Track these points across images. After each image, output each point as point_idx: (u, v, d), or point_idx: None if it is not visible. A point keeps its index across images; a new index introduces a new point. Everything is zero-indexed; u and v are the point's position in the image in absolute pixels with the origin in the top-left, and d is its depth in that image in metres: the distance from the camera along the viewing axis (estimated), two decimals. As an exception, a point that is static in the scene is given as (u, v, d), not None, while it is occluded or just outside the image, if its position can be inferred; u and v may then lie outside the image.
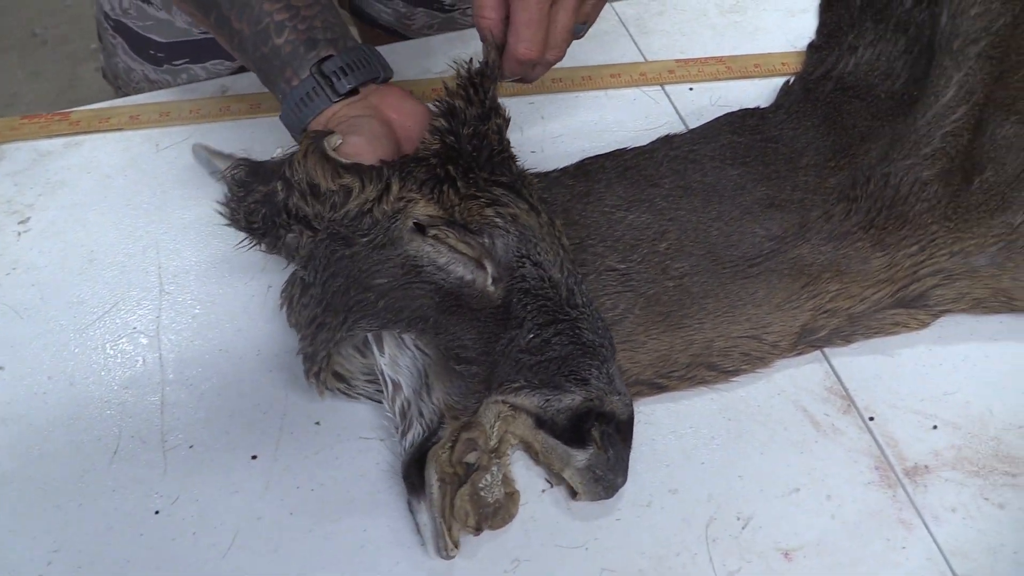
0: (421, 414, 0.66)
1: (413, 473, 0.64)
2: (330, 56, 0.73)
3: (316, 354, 0.67)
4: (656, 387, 0.72)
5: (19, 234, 0.86)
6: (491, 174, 0.69)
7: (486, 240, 0.67)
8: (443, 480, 0.62)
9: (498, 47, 0.72)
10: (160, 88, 1.04)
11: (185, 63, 1.02)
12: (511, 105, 0.95)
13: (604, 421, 0.65)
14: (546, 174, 0.84)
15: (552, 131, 0.94)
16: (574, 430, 0.65)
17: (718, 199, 0.81)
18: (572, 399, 0.65)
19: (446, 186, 0.68)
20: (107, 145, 0.94)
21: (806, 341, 0.75)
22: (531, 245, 0.67)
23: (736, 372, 0.74)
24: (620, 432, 0.65)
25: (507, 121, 0.72)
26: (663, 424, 0.72)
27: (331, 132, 0.68)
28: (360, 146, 0.68)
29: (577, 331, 0.66)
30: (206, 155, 0.85)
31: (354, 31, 1.24)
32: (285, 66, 0.73)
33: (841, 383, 0.75)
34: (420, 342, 0.66)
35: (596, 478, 0.64)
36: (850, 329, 0.76)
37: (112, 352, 0.77)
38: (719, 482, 0.69)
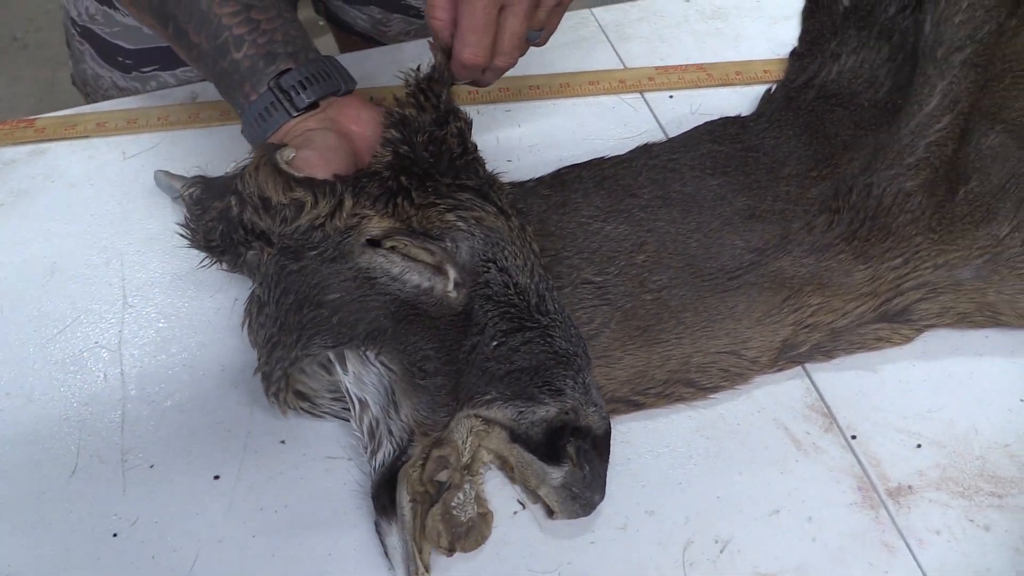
0: (390, 432, 0.64)
1: (383, 494, 0.62)
2: (289, 70, 0.71)
3: (272, 373, 0.65)
4: (632, 404, 0.70)
5: (-21, 245, 0.84)
6: (455, 179, 0.67)
7: (448, 244, 0.65)
8: (414, 500, 0.60)
9: (445, 50, 0.71)
10: (129, 95, 1.01)
11: (154, 70, 1.00)
12: (487, 112, 0.94)
13: (580, 436, 0.63)
14: (522, 184, 0.82)
15: (528, 139, 0.93)
16: (549, 445, 0.63)
17: (698, 210, 0.79)
18: (547, 411, 0.63)
19: (400, 198, 0.66)
20: (73, 153, 0.91)
21: (787, 357, 0.74)
22: (497, 249, 0.66)
23: (715, 389, 0.72)
24: (596, 447, 0.63)
25: (468, 123, 0.71)
26: (639, 443, 0.70)
27: (284, 145, 0.66)
28: (311, 159, 0.66)
29: (549, 339, 0.64)
30: (166, 180, 0.83)
31: (329, 38, 1.22)
32: (244, 81, 0.71)
33: (823, 400, 0.73)
34: (384, 358, 0.63)
35: (572, 496, 0.62)
36: (832, 344, 0.74)
37: (73, 367, 0.75)
38: (697, 503, 0.67)
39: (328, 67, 0.72)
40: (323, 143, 0.68)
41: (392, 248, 0.64)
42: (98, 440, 0.70)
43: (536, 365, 0.63)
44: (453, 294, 0.64)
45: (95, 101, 1.05)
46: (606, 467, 0.64)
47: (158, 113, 0.94)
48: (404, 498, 0.60)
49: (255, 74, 0.71)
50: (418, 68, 0.70)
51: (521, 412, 0.64)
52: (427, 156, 0.67)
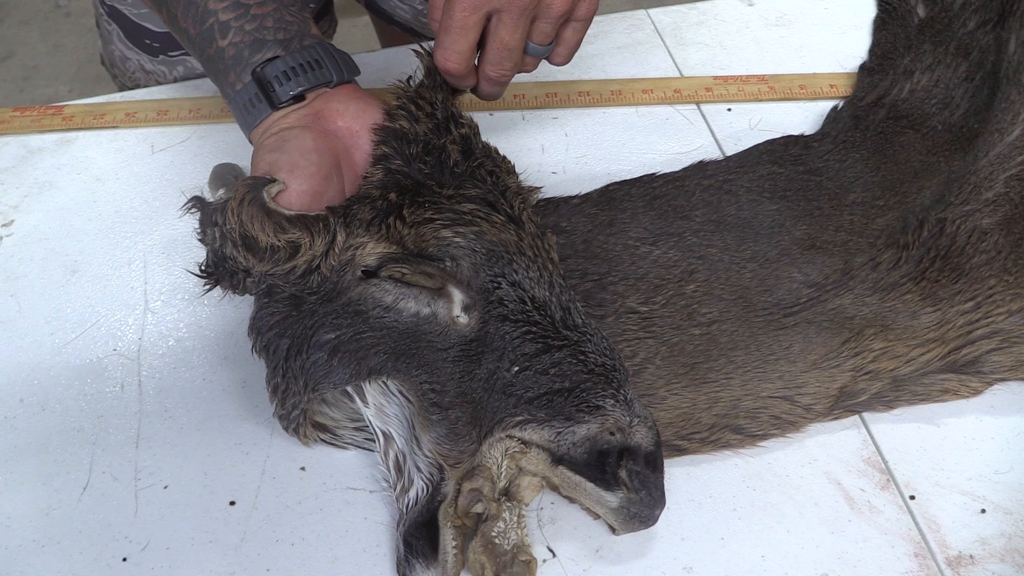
0: (418, 468, 0.59)
1: (418, 535, 0.58)
2: (275, 58, 0.65)
3: (289, 414, 0.61)
4: (675, 449, 0.66)
5: (1, 238, 0.81)
6: (457, 189, 0.62)
7: (448, 264, 0.60)
8: (456, 542, 0.57)
9: (430, 53, 0.67)
10: (156, 79, 0.98)
11: (181, 54, 0.96)
12: (532, 117, 0.90)
13: (630, 457, 0.58)
14: (567, 200, 0.78)
15: (576, 150, 0.88)
16: (597, 468, 0.58)
17: (753, 237, 0.75)
18: (587, 429, 0.58)
19: (392, 218, 0.61)
20: (100, 144, 0.88)
21: (844, 405, 0.69)
22: (504, 263, 0.60)
23: (764, 436, 0.67)
24: (649, 463, 0.58)
25: (473, 128, 0.66)
26: (680, 491, 0.65)
27: (272, 180, 0.60)
28: (287, 192, 0.60)
29: (582, 356, 0.59)
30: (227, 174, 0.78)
31: (370, 29, 1.17)
32: (229, 70, 0.66)
33: (880, 454, 0.68)
34: (404, 388, 0.59)
35: (632, 515, 0.58)
36: (893, 394, 0.69)
37: (89, 376, 0.72)
38: (738, 561, 0.62)
39: (320, 55, 0.66)
40: (297, 146, 0.62)
41: (389, 277, 0.59)
42: (112, 455, 0.67)
43: (571, 386, 0.59)
44: (463, 318, 0.59)
45: (123, 83, 1.02)
46: (662, 477, 0.59)
47: (189, 105, 0.90)
48: (448, 541, 0.57)
49: (240, 63, 0.65)
50: (408, 78, 0.66)
51: (559, 433, 0.59)
52: (424, 168, 0.62)
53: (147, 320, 0.75)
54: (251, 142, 0.67)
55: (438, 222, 0.60)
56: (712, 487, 0.66)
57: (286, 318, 0.59)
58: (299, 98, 0.65)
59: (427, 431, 0.58)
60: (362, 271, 0.59)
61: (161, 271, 0.78)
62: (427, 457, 0.59)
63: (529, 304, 0.60)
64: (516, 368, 0.58)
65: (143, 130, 0.89)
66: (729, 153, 0.85)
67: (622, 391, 0.59)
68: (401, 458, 0.61)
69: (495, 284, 0.60)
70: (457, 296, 0.59)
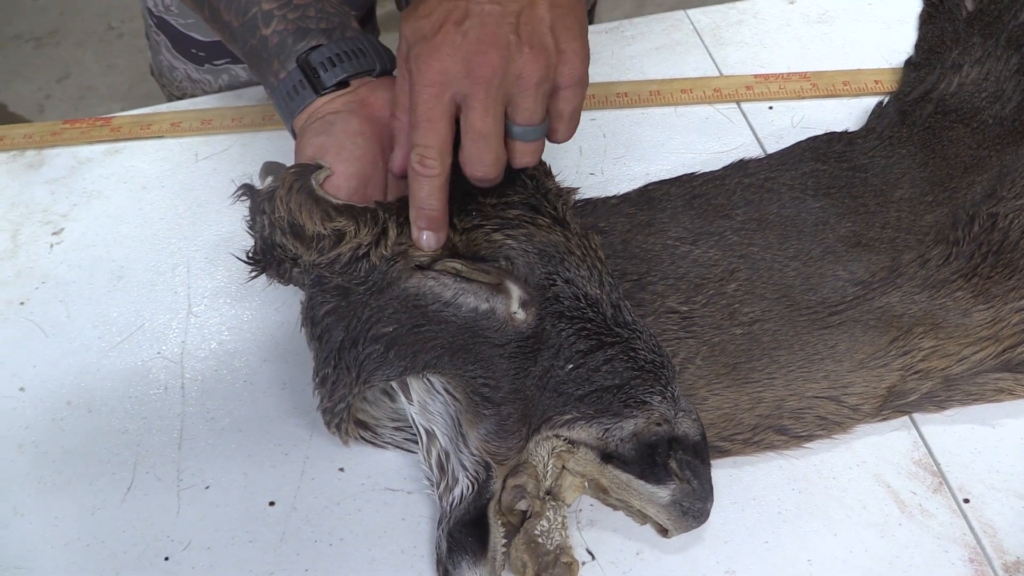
0: (463, 466, 0.59)
1: (467, 533, 0.57)
2: (319, 46, 0.65)
3: (334, 407, 0.61)
4: (717, 451, 0.65)
5: (51, 246, 0.83)
6: (500, 198, 0.62)
7: (503, 263, 0.60)
8: (506, 540, 0.57)
9: None
10: (202, 87, 1.00)
11: (226, 63, 0.98)
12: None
13: (679, 446, 0.58)
14: (605, 200, 0.77)
15: (614, 151, 0.87)
16: (647, 461, 0.58)
17: (797, 235, 0.73)
18: (635, 424, 0.58)
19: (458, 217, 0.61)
20: (146, 153, 0.90)
21: (893, 406, 0.67)
22: (556, 261, 0.61)
23: (810, 437, 0.65)
24: (697, 454, 0.58)
25: None
26: (723, 494, 0.64)
27: (319, 166, 0.60)
28: (335, 177, 0.60)
29: (632, 353, 0.59)
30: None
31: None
32: (272, 58, 0.66)
33: (932, 456, 0.65)
34: (449, 385, 0.59)
35: (684, 511, 0.58)
36: (945, 394, 0.67)
37: (134, 378, 0.73)
38: (784, 566, 0.60)
39: (364, 44, 0.66)
40: (344, 129, 0.62)
41: (440, 271, 0.59)
42: (155, 456, 0.68)
43: (621, 383, 0.58)
44: (520, 315, 0.59)
45: (171, 92, 1.04)
46: (710, 470, 0.59)
47: (232, 114, 0.91)
48: (499, 539, 0.57)
49: (283, 50, 0.66)
50: None
51: (607, 430, 0.59)
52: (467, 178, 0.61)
53: (190, 324, 0.76)
54: (293, 134, 0.67)
55: (487, 227, 0.61)
56: (756, 489, 0.64)
57: (336, 308, 0.60)
58: (343, 84, 0.65)
59: (476, 427, 0.58)
60: (415, 265, 0.59)
61: (204, 276, 0.79)
62: (473, 455, 0.58)
63: (583, 301, 0.60)
64: (571, 366, 0.58)
65: (187, 139, 0.90)
66: (771, 151, 0.84)
67: (669, 388, 0.59)
68: (444, 456, 0.60)
69: (550, 281, 0.60)
70: (515, 292, 0.59)
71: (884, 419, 0.67)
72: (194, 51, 0.98)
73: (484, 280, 0.59)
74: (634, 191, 0.78)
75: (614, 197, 0.78)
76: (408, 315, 0.58)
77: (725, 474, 0.64)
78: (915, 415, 0.67)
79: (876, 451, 0.66)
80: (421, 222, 0.59)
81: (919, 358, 0.66)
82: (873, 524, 0.62)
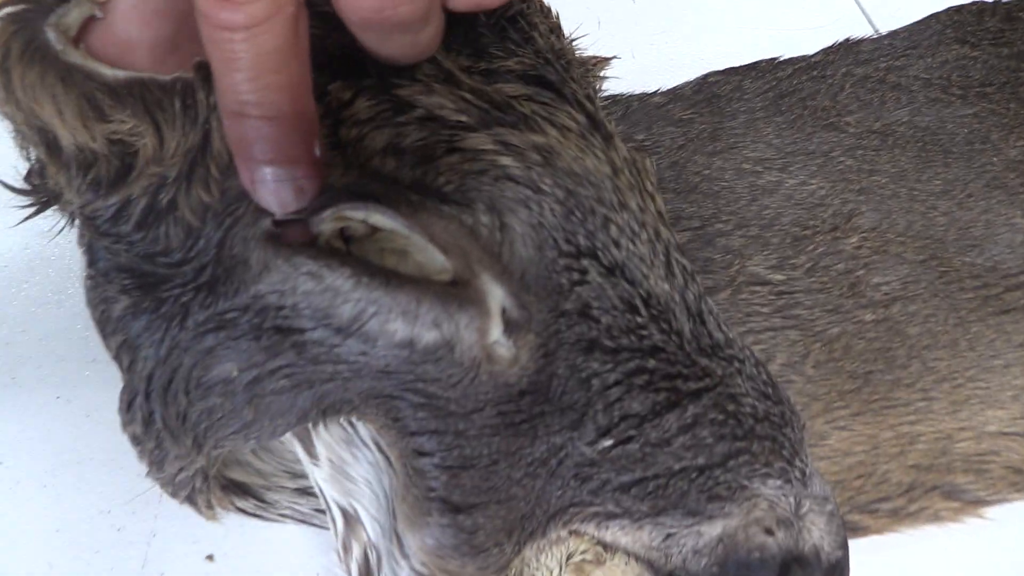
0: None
1: None
2: None
3: (174, 478, 0.34)
4: (848, 527, 0.40)
5: None
6: (475, 60, 0.30)
7: (483, 219, 0.29)
8: None
9: None
10: None
11: None
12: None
13: (800, 571, 0.31)
14: (643, 99, 0.56)
15: (652, 25, 0.65)
16: None
17: (942, 159, 0.54)
18: (723, 526, 0.31)
19: (354, 94, 0.29)
20: None
21: None
22: (596, 220, 0.30)
23: (998, 501, 0.43)
24: None
25: None
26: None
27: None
28: (123, 19, 0.29)
29: (733, 406, 0.31)
30: None
31: None
32: None
33: None
34: (381, 440, 0.32)
35: None
36: None
37: None
38: None
39: None
40: None
41: (330, 256, 0.28)
42: None
43: (707, 464, 0.31)
44: (506, 349, 0.30)
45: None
46: None
47: None
48: None
49: None
50: None
51: (670, 536, 0.31)
52: None
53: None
54: None
55: (454, 117, 0.29)
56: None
57: (136, 309, 0.31)
58: None
59: (420, 530, 0.31)
60: (268, 234, 0.29)
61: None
62: (417, 571, 0.32)
63: (642, 312, 0.30)
64: (610, 442, 0.30)
65: None
66: (883, 30, 0.62)
67: (797, 460, 0.31)
68: (373, 555, 0.34)
69: (578, 276, 0.30)
70: (496, 299, 0.29)
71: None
72: None
73: (426, 279, 0.29)
74: (688, 85, 0.58)
75: (656, 94, 0.57)
76: (266, 350, 0.29)
77: (864, 566, 0.40)
78: None
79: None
80: (252, 146, 0.26)
81: None
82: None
